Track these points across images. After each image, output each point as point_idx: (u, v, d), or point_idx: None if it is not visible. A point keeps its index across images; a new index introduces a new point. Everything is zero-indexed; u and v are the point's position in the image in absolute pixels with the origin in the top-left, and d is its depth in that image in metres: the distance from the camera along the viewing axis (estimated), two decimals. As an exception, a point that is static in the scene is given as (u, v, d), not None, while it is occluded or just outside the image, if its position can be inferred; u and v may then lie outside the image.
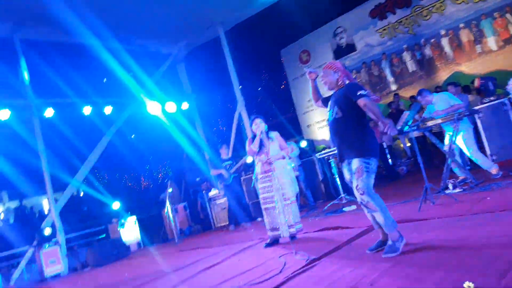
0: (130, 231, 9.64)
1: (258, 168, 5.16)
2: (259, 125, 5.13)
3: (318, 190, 8.93)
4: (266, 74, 19.70)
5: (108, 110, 10.06)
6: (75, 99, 9.74)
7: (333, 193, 7.61)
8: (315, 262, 3.56)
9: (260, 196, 5.20)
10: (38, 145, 8.60)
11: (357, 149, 3.24)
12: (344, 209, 6.44)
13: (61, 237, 8.44)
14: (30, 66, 8.95)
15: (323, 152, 7.58)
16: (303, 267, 3.50)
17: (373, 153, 3.27)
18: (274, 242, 5.04)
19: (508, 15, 9.83)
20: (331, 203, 7.14)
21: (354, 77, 12.36)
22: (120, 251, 8.48)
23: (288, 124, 15.50)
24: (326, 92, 3.73)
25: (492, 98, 6.58)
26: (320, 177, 8.96)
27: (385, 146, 9.29)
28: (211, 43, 12.41)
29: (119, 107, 10.45)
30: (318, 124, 13.47)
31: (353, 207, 6.41)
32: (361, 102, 3.21)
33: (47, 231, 8.17)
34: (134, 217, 9.89)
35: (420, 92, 6.04)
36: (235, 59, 11.53)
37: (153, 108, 10.33)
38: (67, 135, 11.27)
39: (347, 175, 3.45)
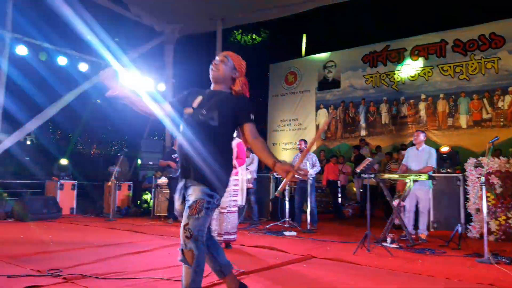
0: (66, 194, 9.26)
1: None
2: None
3: (266, 207, 8.98)
4: (250, 83, 19.77)
5: (83, 67, 9.73)
6: (51, 45, 9.35)
7: (278, 215, 7.69)
8: (242, 276, 3.56)
9: None
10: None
11: (210, 176, 2.34)
12: (284, 232, 6.50)
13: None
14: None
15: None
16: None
17: (222, 189, 2.42)
18: None
19: (485, 100, 10.42)
20: (274, 223, 7.18)
21: (330, 112, 12.72)
22: (51, 211, 8.12)
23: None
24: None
25: (449, 170, 6.90)
26: (271, 196, 9.02)
27: (339, 184, 9.51)
28: (206, 35, 12.35)
29: (95, 67, 10.11)
30: (284, 145, 13.63)
31: (294, 233, 6.48)
32: (248, 127, 2.43)
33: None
34: (74, 182, 9.52)
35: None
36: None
37: (128, 78, 10.06)
38: (35, 79, 10.77)
39: (178, 203, 2.50)
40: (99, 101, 16.16)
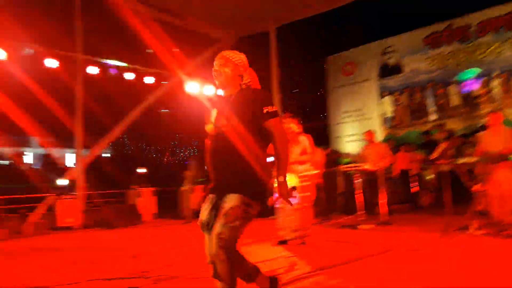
0: (146, 201, 9.85)
1: None
2: (288, 126, 5.10)
3: (336, 202, 8.90)
4: (306, 78, 19.63)
5: (149, 80, 10.28)
6: (119, 62, 10.01)
7: (351, 208, 7.56)
8: (318, 272, 3.58)
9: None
10: (76, 99, 8.90)
11: (245, 184, 2.22)
12: (359, 226, 6.41)
13: (80, 192, 8.73)
14: (86, 22, 9.24)
15: (349, 165, 7.53)
16: (308, 272, 3.53)
17: (261, 196, 2.28)
18: (284, 242, 5.06)
19: None
20: (347, 217, 7.12)
21: (395, 98, 12.28)
22: (134, 218, 8.70)
23: (317, 132, 15.42)
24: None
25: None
26: (340, 190, 8.93)
27: (412, 173, 9.17)
28: (259, 36, 12.49)
29: (159, 79, 10.68)
30: (348, 137, 13.36)
31: (370, 226, 6.37)
32: (270, 124, 2.28)
33: (66, 181, 8.44)
34: (152, 189, 10.10)
35: None
36: (279, 55, 11.59)
37: (191, 87, 10.49)
38: (107, 96, 11.60)
39: (205, 213, 2.31)
40: (163, 110, 16.95)
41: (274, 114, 2.28)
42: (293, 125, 5.14)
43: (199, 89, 10.63)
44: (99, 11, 10.82)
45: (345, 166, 7.69)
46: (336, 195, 8.94)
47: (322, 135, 14.33)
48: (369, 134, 7.33)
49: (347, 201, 8.55)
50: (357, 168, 7.07)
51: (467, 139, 8.97)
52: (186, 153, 18.29)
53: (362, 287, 2.99)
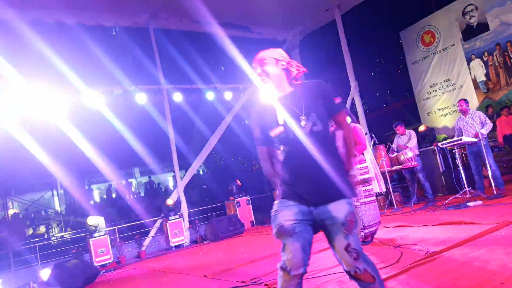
0: (244, 210, 10.22)
1: None
2: None
3: (438, 182, 8.34)
4: (382, 58, 18.80)
5: (228, 96, 10.69)
6: (200, 84, 10.57)
7: (455, 187, 7.03)
8: (434, 256, 3.41)
9: None
10: (168, 127, 9.57)
11: (342, 185, 2.04)
12: (468, 203, 5.95)
13: (184, 211, 9.35)
14: (161, 54, 9.92)
15: (446, 141, 7.02)
16: (422, 259, 3.38)
17: (354, 191, 2.14)
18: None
19: None
20: (453, 196, 6.65)
21: (485, 60, 11.19)
22: (236, 227, 9.06)
23: (405, 111, 14.66)
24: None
25: None
26: (441, 169, 8.36)
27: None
28: (325, 27, 12.30)
29: (237, 93, 11.06)
30: (441, 111, 12.47)
31: (479, 202, 5.88)
32: (342, 116, 2.17)
33: (170, 203, 9.08)
34: (247, 197, 10.44)
35: None
36: (349, 42, 11.27)
37: (266, 94, 10.66)
38: (192, 118, 12.31)
39: (289, 221, 2.07)
40: (247, 121, 17.42)
41: (342, 105, 2.17)
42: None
43: (271, 94, 10.76)
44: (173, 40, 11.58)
45: (442, 142, 7.19)
46: (438, 175, 8.39)
47: (412, 113, 13.59)
48: (462, 103, 6.77)
49: (450, 179, 7.97)
50: (455, 142, 6.57)
51: None
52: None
53: (486, 270, 2.77)
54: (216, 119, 11.07)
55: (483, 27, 11.38)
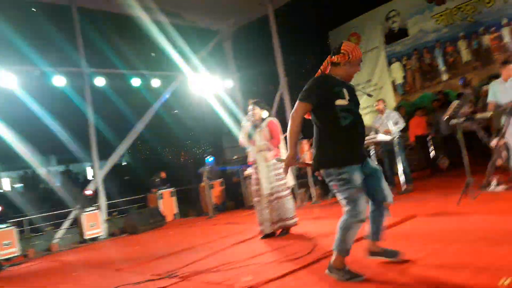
0: (167, 202, 9.97)
1: (248, 158, 4.87)
2: (255, 111, 4.83)
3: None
4: (313, 56, 19.31)
5: (155, 83, 10.29)
6: (125, 70, 10.06)
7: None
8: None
9: (251, 188, 4.94)
10: (87, 113, 9.01)
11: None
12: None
13: (102, 203, 8.89)
14: (84, 35, 9.28)
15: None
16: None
17: None
18: (267, 236, 4.68)
19: None
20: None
21: (404, 63, 11.96)
22: (157, 220, 8.81)
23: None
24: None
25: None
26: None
27: (428, 138, 8.96)
28: (259, 21, 12.34)
29: (166, 81, 10.69)
30: (363, 110, 13.12)
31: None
32: None
33: (88, 193, 8.59)
34: (171, 189, 10.20)
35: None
36: (281, 39, 11.43)
37: (197, 84, 10.48)
38: (116, 105, 11.71)
39: (360, 180, 2.69)
40: (176, 111, 17.04)
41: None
42: (258, 111, 4.84)
43: (204, 84, 10.60)
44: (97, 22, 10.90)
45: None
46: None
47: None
48: (380, 103, 7.17)
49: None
50: (371, 140, 6.93)
51: (479, 92, 8.69)
52: (201, 150, 18.43)
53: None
54: (144, 107, 10.64)
55: (403, 32, 12.13)
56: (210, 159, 10.58)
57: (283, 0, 11.34)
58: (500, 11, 10.21)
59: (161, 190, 10.01)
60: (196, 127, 16.30)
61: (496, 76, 6.36)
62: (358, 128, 2.72)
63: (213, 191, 10.04)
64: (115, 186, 10.70)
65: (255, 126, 4.85)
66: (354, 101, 2.76)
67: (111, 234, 8.74)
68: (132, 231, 8.41)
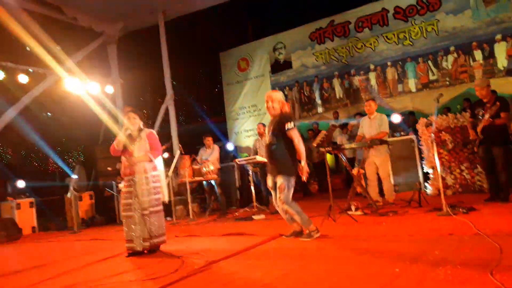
0: (25, 213, 8.85)
1: (121, 170, 4.59)
2: (133, 121, 4.57)
3: (234, 196, 8.95)
4: (203, 74, 19.49)
5: (23, 79, 9.21)
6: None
7: (249, 201, 7.64)
8: (211, 264, 3.51)
9: (121, 202, 4.64)
10: None
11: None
12: (253, 216, 6.50)
13: None
14: None
15: (242, 158, 7.60)
16: (200, 267, 3.43)
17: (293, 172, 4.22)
18: (135, 254, 4.39)
19: (430, 62, 10.77)
20: (243, 210, 7.18)
21: (286, 94, 12.77)
22: (11, 232, 7.74)
23: (217, 128, 15.38)
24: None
25: (402, 133, 7.09)
26: (237, 184, 9.00)
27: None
28: (149, 30, 12.04)
29: (36, 78, 9.63)
30: (246, 132, 13.59)
31: (262, 216, 6.50)
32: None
33: None
34: (31, 199, 9.10)
35: None
36: (171, 51, 11.28)
37: (73, 85, 9.64)
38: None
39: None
40: (49, 114, 15.50)
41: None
42: (138, 120, 4.60)
43: (81, 87, 9.78)
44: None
45: (240, 159, 7.73)
46: (234, 190, 9.00)
47: (222, 131, 14.33)
48: (260, 126, 7.48)
49: (243, 194, 8.65)
50: (250, 160, 7.16)
51: (345, 127, 9.70)
52: (72, 158, 16.96)
53: (255, 276, 2.96)
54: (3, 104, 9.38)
55: (288, 64, 13.00)
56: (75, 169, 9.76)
57: (174, 13, 11.25)
58: (368, 58, 11.63)
59: (19, 200, 8.86)
60: (71, 133, 14.98)
61: (361, 114, 7.22)
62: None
63: (81, 204, 9.24)
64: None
65: (132, 136, 4.60)
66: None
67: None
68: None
